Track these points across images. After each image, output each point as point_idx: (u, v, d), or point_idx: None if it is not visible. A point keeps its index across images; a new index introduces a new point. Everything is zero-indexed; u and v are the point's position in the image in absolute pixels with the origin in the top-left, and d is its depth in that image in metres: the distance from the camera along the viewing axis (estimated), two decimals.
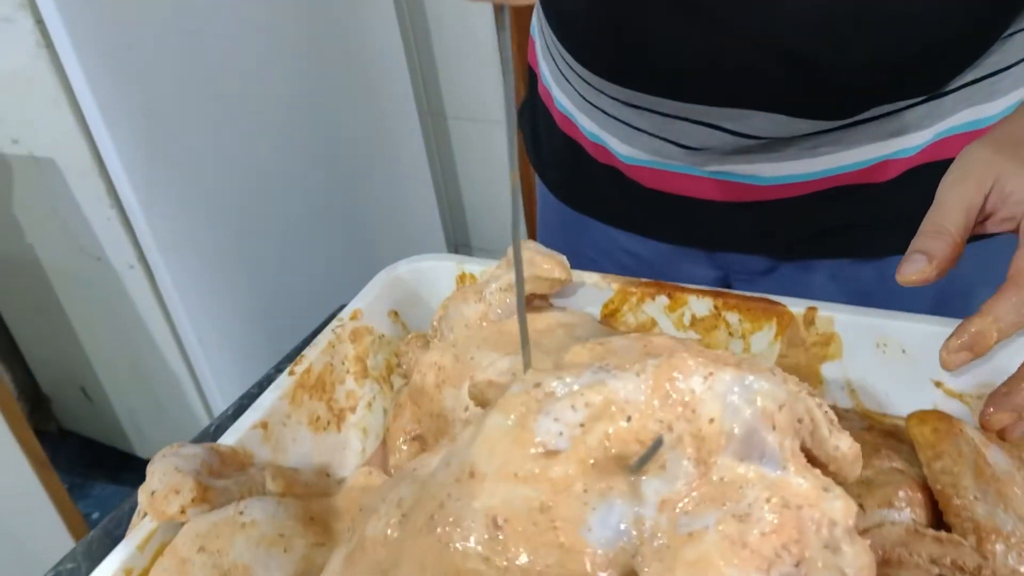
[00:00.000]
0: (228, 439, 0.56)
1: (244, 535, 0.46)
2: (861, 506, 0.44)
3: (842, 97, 0.62)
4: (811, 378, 0.60)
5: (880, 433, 0.49)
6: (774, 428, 0.29)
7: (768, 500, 0.28)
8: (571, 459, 0.29)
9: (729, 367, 0.31)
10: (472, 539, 0.29)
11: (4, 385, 1.51)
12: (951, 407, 0.55)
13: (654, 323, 0.63)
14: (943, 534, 0.43)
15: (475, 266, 0.68)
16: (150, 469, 0.51)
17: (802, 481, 0.29)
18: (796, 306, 0.59)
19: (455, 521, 0.29)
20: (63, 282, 1.54)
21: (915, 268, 0.50)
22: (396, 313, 0.68)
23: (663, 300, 0.63)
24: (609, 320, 0.65)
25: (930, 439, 0.44)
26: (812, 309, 0.58)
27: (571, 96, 0.76)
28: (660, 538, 0.28)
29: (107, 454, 1.82)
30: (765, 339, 0.60)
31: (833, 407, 0.51)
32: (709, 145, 0.67)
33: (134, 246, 1.38)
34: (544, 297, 0.65)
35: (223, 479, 0.51)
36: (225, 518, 0.47)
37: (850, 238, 0.71)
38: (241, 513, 0.48)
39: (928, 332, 0.55)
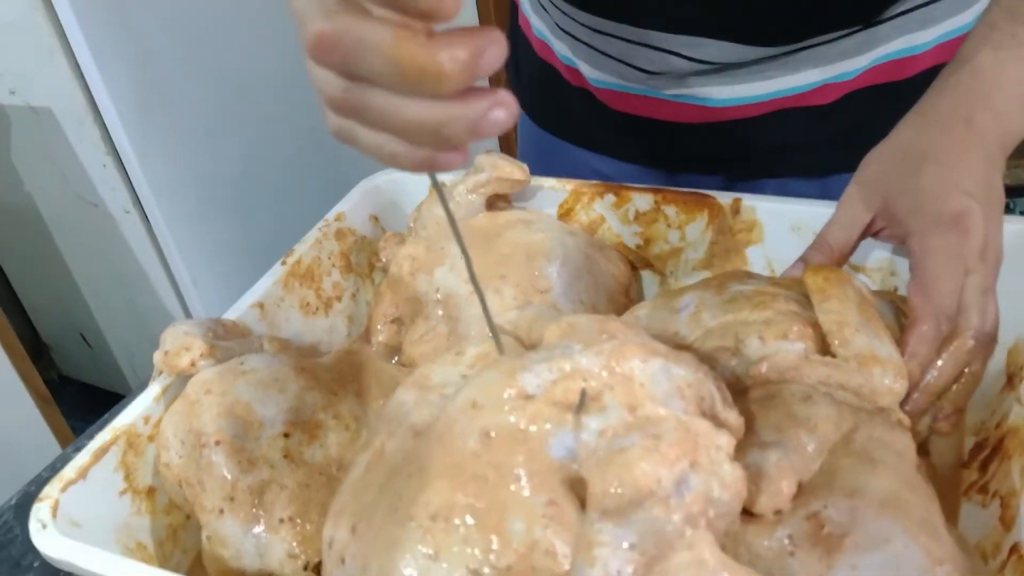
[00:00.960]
0: (229, 316, 0.64)
1: (244, 379, 0.55)
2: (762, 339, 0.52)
3: (785, 26, 0.69)
4: (738, 261, 0.68)
5: (785, 288, 0.57)
6: (683, 398, 0.42)
7: (675, 429, 0.40)
8: (542, 401, 0.41)
9: (660, 357, 0.43)
10: (468, 445, 0.41)
11: (6, 326, 1.58)
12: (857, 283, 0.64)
13: (603, 219, 0.72)
14: (830, 359, 0.51)
15: (446, 177, 0.76)
16: (163, 336, 0.59)
17: (700, 421, 0.41)
18: (724, 198, 0.67)
19: (460, 435, 0.41)
20: (61, 229, 1.61)
21: (794, 274, 0.58)
22: (376, 218, 0.76)
23: (610, 198, 0.71)
24: (564, 218, 0.73)
25: (821, 284, 0.53)
26: (737, 200, 0.67)
27: (547, 23, 0.83)
28: (599, 453, 0.40)
29: (107, 399, 1.90)
30: (698, 228, 0.69)
31: (749, 275, 0.59)
32: (667, 69, 0.74)
33: (129, 192, 1.45)
34: (506, 198, 0.73)
35: (227, 343, 0.59)
36: (228, 368, 0.56)
37: (796, 157, 0.76)
38: (242, 363, 0.56)
39: None
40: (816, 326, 0.53)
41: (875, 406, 0.50)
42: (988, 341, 0.53)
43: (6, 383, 1.51)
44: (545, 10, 0.82)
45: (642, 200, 0.70)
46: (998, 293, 0.53)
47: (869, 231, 0.58)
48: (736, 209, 0.67)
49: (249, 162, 1.54)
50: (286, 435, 0.53)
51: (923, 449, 0.58)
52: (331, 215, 0.73)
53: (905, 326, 0.53)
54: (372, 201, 0.76)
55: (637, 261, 0.72)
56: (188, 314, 1.59)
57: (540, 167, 0.73)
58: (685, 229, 0.69)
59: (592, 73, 0.80)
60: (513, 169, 0.71)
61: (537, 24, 0.86)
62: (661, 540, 0.36)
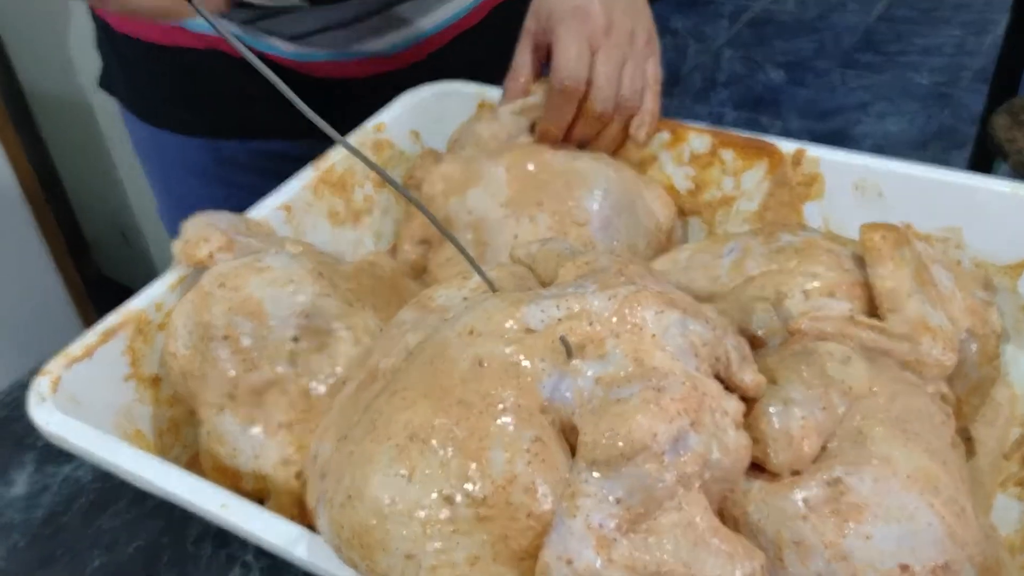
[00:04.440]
0: (254, 214, 0.62)
1: (259, 276, 0.53)
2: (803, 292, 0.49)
3: None
4: (793, 217, 0.64)
5: (840, 244, 0.53)
6: (696, 356, 0.39)
7: (683, 383, 0.37)
8: (542, 337, 0.38)
9: (677, 310, 0.39)
10: (458, 370, 0.38)
11: (50, 220, 1.60)
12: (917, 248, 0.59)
13: (654, 158, 0.68)
14: (877, 323, 0.47)
15: (497, 93, 0.73)
16: (184, 225, 0.58)
17: (711, 382, 0.38)
18: (786, 146, 0.63)
19: (452, 359, 0.39)
20: (110, 124, 1.60)
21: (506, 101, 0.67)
22: (417, 133, 0.73)
23: (665, 136, 0.67)
24: (614, 154, 0.69)
25: (877, 243, 0.49)
26: (801, 150, 0.63)
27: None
28: (594, 402, 0.37)
29: None
30: (755, 177, 0.65)
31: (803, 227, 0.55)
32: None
33: None
34: None
35: (247, 239, 0.58)
36: (245, 263, 0.54)
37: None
38: (259, 260, 0.54)
39: (906, 176, 0.59)
40: (867, 287, 0.49)
41: (919, 376, 0.46)
42: (627, 104, 0.65)
43: (45, 277, 1.53)
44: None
45: (699, 140, 0.66)
46: None
47: (541, 53, 0.67)
48: (798, 160, 0.63)
49: None
50: (295, 339, 0.51)
51: (964, 433, 0.54)
52: (370, 125, 0.70)
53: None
54: (415, 114, 0.73)
55: (685, 206, 0.68)
56: None
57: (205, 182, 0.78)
58: (741, 177, 0.65)
59: (289, 48, 0.75)
60: None
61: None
62: (650, 497, 0.33)
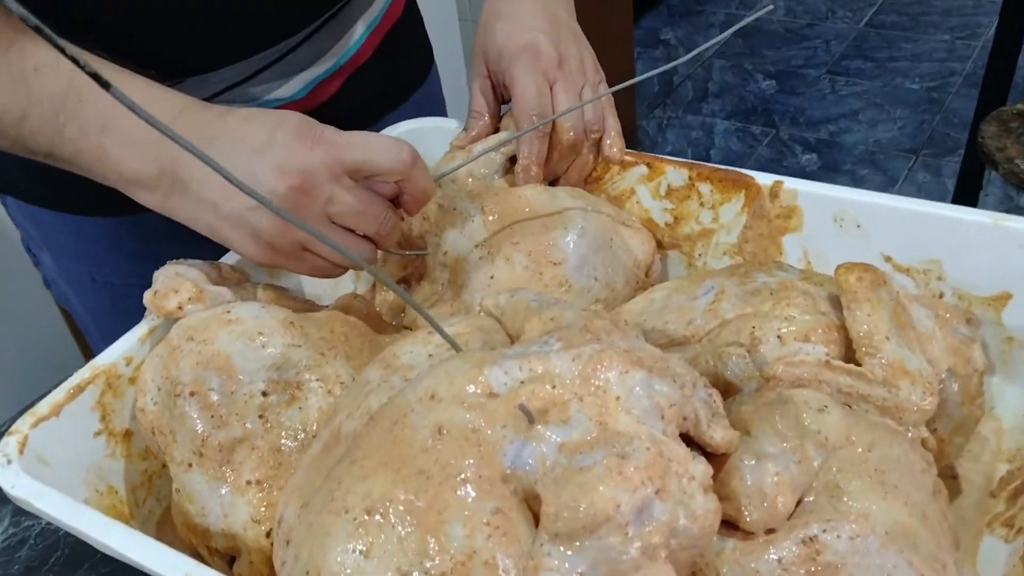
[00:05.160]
0: (229, 258, 0.61)
1: (228, 329, 0.52)
2: (780, 338, 0.48)
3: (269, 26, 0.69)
4: (772, 249, 0.63)
5: (815, 284, 0.52)
6: (662, 418, 0.38)
7: (648, 449, 0.36)
8: (504, 402, 0.37)
9: (643, 370, 0.38)
10: (418, 438, 0.37)
11: None
12: (900, 281, 0.58)
13: (632, 192, 0.67)
14: (853, 367, 0.47)
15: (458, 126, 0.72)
16: (156, 275, 0.57)
17: (677, 446, 0.37)
18: (764, 179, 0.62)
19: (412, 426, 0.38)
20: None
21: (467, 136, 0.68)
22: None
23: (642, 170, 0.66)
24: (591, 187, 0.68)
25: (853, 285, 0.48)
26: (778, 182, 0.62)
27: None
28: (557, 470, 0.36)
29: None
30: (732, 210, 0.64)
31: (781, 264, 0.54)
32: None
33: None
34: None
35: (218, 288, 0.57)
36: (214, 315, 0.53)
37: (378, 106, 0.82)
38: (228, 312, 0.53)
39: (885, 208, 0.59)
40: (843, 330, 0.48)
41: (898, 423, 0.46)
42: (593, 128, 0.66)
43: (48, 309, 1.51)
44: None
45: (676, 174, 0.65)
46: None
47: (497, 92, 0.69)
48: (775, 192, 0.62)
49: None
50: (264, 393, 0.51)
51: (949, 471, 0.54)
52: None
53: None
54: None
55: (665, 240, 0.67)
56: None
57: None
58: (719, 209, 0.64)
59: None
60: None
61: None
62: (614, 571, 0.32)
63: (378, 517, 0.34)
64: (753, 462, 0.41)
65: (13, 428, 0.50)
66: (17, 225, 0.83)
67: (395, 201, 0.56)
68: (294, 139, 0.51)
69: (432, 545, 0.34)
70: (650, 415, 0.37)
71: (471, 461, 0.36)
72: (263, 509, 0.48)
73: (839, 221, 0.60)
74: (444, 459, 0.35)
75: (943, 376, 0.49)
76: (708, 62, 2.86)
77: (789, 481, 0.40)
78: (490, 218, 0.61)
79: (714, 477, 0.40)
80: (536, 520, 0.36)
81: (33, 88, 0.53)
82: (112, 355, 0.55)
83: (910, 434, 0.45)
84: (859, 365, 0.47)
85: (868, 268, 0.49)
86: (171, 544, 0.53)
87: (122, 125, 0.53)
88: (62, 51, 0.25)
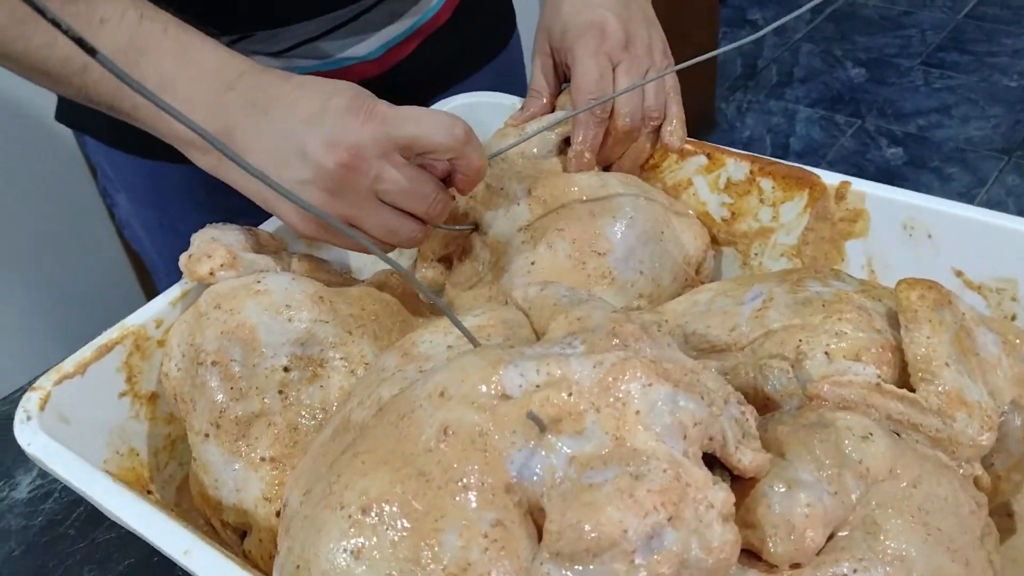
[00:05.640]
0: (268, 226, 0.60)
1: (256, 300, 0.51)
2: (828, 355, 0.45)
3: None
4: (834, 254, 0.59)
5: (873, 298, 0.49)
6: (684, 437, 0.35)
7: (664, 471, 0.33)
8: (517, 406, 0.35)
9: (668, 383, 0.35)
10: (423, 436, 0.35)
11: None
12: (969, 299, 0.54)
13: (690, 183, 0.64)
14: (907, 393, 0.43)
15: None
16: (193, 237, 0.56)
17: (698, 469, 0.34)
18: (830, 178, 0.58)
19: (417, 424, 0.36)
20: None
21: (522, 115, 0.66)
22: None
23: (701, 160, 0.63)
24: (647, 174, 0.65)
25: (914, 303, 0.44)
26: (845, 183, 0.58)
27: None
28: (565, 484, 0.33)
29: None
30: (794, 209, 0.60)
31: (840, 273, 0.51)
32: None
33: None
34: None
35: (253, 255, 0.56)
36: (244, 284, 0.52)
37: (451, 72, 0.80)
38: (258, 282, 0.52)
39: (960, 219, 0.54)
40: (899, 351, 0.45)
41: (950, 457, 0.42)
42: (652, 115, 0.63)
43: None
44: None
45: (737, 167, 0.62)
46: None
47: (559, 72, 0.66)
48: (842, 193, 0.58)
49: None
50: (286, 369, 0.49)
51: (1004, 508, 0.50)
52: None
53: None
54: None
55: (720, 236, 0.64)
56: None
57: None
58: (780, 208, 0.61)
59: None
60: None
61: None
62: None
63: (373, 517, 0.33)
64: (784, 489, 0.38)
65: (37, 384, 0.50)
66: (95, 165, 0.84)
67: (448, 179, 0.54)
68: (346, 111, 0.50)
69: (425, 553, 0.32)
70: (671, 433, 0.34)
71: (475, 467, 0.34)
72: (276, 487, 0.47)
73: (909, 229, 0.56)
74: (447, 462, 0.34)
75: (1005, 408, 0.45)
76: (796, 45, 2.76)
77: (821, 513, 0.37)
78: (537, 201, 0.59)
79: (740, 502, 0.38)
80: (539, 535, 0.33)
81: (97, 39, 0.52)
82: (142, 316, 0.54)
83: (962, 471, 0.42)
84: (913, 391, 0.43)
85: (932, 286, 0.45)
86: (188, 511, 0.53)
87: (181, 82, 0.52)
88: (42, 14, 0.24)
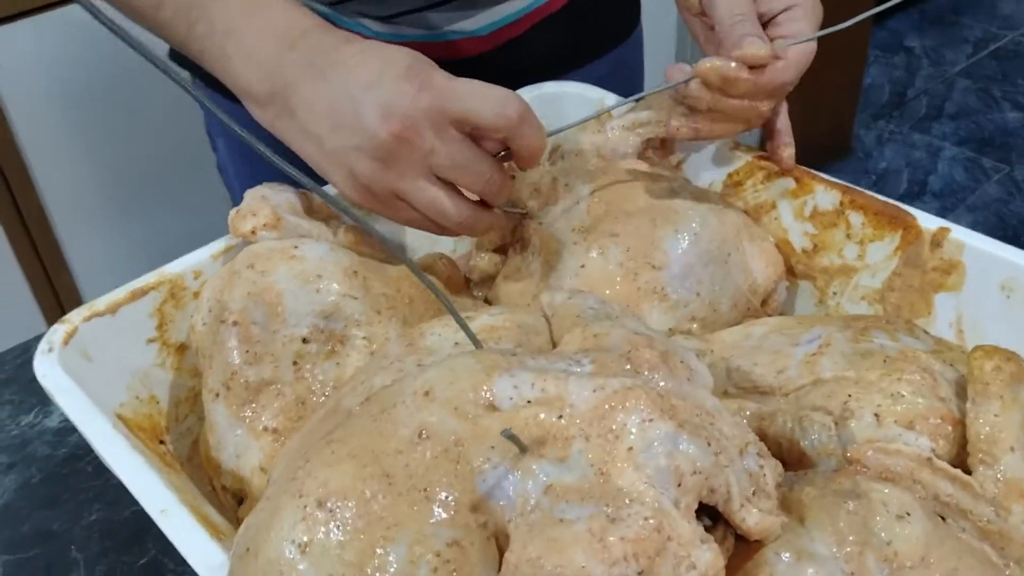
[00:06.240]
0: (329, 189, 0.59)
1: (288, 266, 0.49)
2: (877, 419, 0.40)
3: None
4: (920, 306, 0.54)
5: (943, 362, 0.43)
6: (679, 485, 0.31)
7: (646, 519, 0.30)
8: (500, 420, 0.32)
9: (672, 423, 0.32)
10: (397, 436, 0.33)
11: None
12: None
13: (773, 206, 0.59)
14: (961, 475, 0.38)
15: (615, 101, 0.66)
16: (245, 193, 0.55)
17: (685, 523, 0.30)
18: (928, 221, 0.53)
19: (395, 421, 0.33)
20: None
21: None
22: None
23: (789, 183, 0.58)
24: (728, 191, 0.61)
25: (987, 374, 0.39)
26: (944, 230, 0.52)
27: None
28: (536, 514, 0.31)
29: None
30: (883, 250, 0.54)
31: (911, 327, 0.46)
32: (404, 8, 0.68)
33: None
34: (667, 147, 0.62)
35: (298, 219, 0.54)
36: (281, 247, 0.51)
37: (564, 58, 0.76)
38: (295, 247, 0.51)
39: None
40: (962, 425, 0.39)
41: (998, 554, 0.37)
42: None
43: None
44: None
45: (826, 196, 0.57)
46: None
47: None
48: (938, 241, 0.52)
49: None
50: (304, 340, 0.48)
51: None
52: None
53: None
54: None
55: (798, 268, 0.59)
56: None
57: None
58: (867, 246, 0.55)
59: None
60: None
61: None
62: None
63: (327, 512, 0.31)
64: (791, 559, 0.33)
65: (66, 318, 0.50)
66: (202, 108, 0.86)
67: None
68: (402, 79, 0.48)
69: (371, 562, 0.29)
70: (664, 478, 0.31)
71: (443, 478, 0.31)
72: (273, 459, 0.46)
73: (1007, 290, 0.50)
74: (414, 467, 0.31)
75: None
76: (951, 79, 2.59)
77: None
78: (598, 202, 0.56)
79: (739, 566, 0.34)
80: (500, 564, 0.30)
81: None
82: (181, 265, 0.54)
83: (1008, 572, 0.36)
84: (969, 473, 0.38)
85: (1012, 357, 0.39)
86: (199, 468, 0.52)
87: (245, 34, 0.51)
88: None
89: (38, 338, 0.68)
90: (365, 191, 0.50)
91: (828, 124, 2.23)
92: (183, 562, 0.52)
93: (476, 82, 0.49)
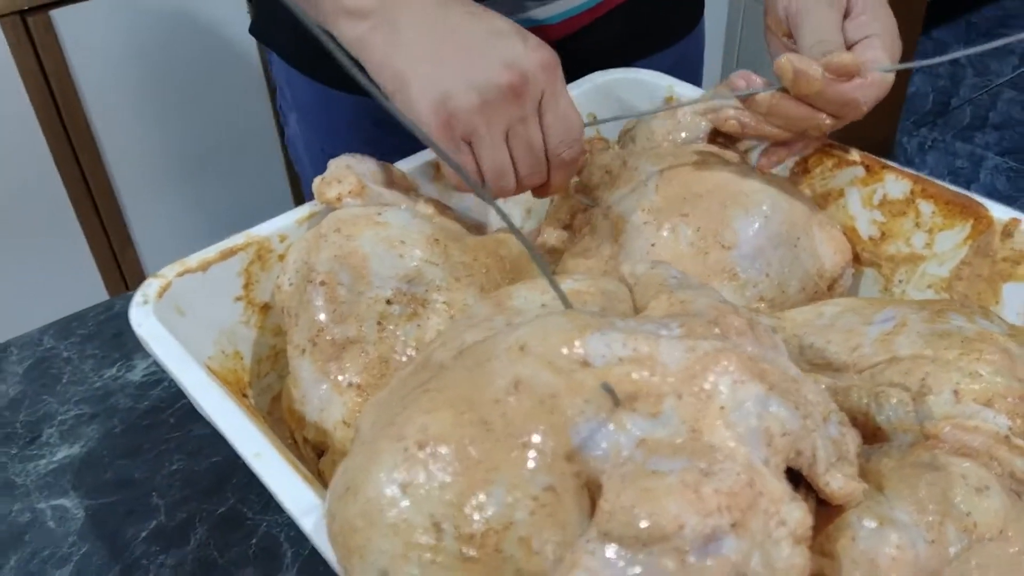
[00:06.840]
0: (402, 165, 0.60)
1: (374, 231, 0.51)
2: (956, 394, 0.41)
3: None
4: (988, 295, 0.54)
5: (1021, 347, 0.44)
6: (768, 445, 0.32)
7: (738, 474, 0.30)
8: (594, 375, 0.33)
9: (763, 385, 0.33)
10: (493, 387, 0.34)
11: None
12: None
13: (841, 194, 0.60)
14: None
15: (686, 89, 0.67)
16: (330, 163, 0.57)
17: (776, 481, 0.31)
18: (1000, 212, 0.53)
19: (490, 373, 0.35)
20: None
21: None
22: (594, 116, 0.69)
23: (858, 171, 0.59)
24: (796, 178, 0.62)
25: None
26: (1016, 220, 0.53)
27: None
28: (628, 466, 0.31)
29: None
30: (953, 239, 0.55)
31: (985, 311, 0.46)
32: None
33: None
34: (730, 139, 0.63)
35: (381, 188, 0.56)
36: (366, 213, 0.52)
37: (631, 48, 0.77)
38: (380, 214, 0.52)
39: None
40: None
41: None
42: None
43: None
44: None
45: (896, 184, 0.57)
46: None
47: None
48: (1010, 231, 0.53)
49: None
50: (388, 302, 0.49)
51: None
52: None
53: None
54: (597, 96, 0.68)
55: (864, 255, 0.60)
56: None
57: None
58: (936, 235, 0.56)
59: None
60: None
61: None
62: None
63: (428, 453, 0.32)
64: (874, 524, 0.34)
65: (160, 272, 0.52)
66: (275, 82, 0.88)
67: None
68: (533, 49, 0.51)
69: (471, 502, 0.31)
70: (754, 437, 0.32)
71: (539, 427, 0.32)
72: (356, 414, 0.47)
73: None
74: (511, 416, 0.32)
75: None
76: (997, 90, 2.57)
77: (911, 560, 0.34)
78: (667, 183, 0.57)
79: (821, 528, 0.35)
80: (593, 511, 0.32)
81: None
82: (268, 228, 0.56)
83: None
84: None
85: None
86: (278, 422, 0.54)
87: None
88: None
89: (120, 296, 0.71)
90: (448, 120, 0.51)
91: (871, 130, 2.22)
92: (261, 511, 0.55)
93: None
